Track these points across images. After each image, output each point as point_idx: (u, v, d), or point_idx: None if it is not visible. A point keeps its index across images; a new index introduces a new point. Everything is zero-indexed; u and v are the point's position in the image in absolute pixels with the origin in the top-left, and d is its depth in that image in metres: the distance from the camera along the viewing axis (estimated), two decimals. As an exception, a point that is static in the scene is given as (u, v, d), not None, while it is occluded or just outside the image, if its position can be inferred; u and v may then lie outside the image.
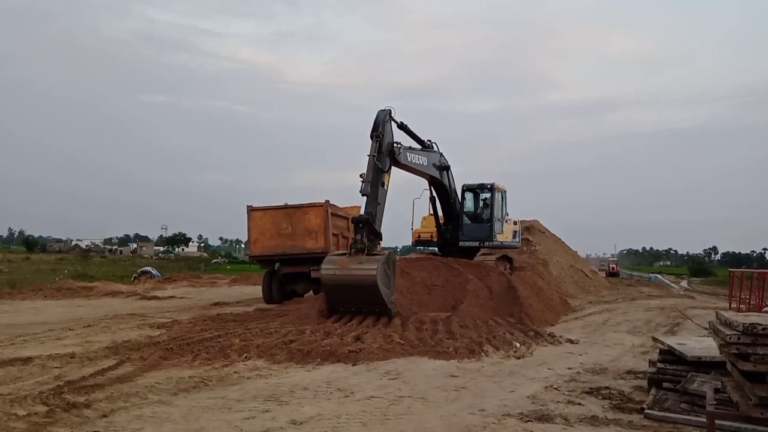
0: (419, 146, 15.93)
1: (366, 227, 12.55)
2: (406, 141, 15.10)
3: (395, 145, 13.94)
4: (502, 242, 18.92)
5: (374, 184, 13.10)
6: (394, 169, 14.16)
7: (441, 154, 16.90)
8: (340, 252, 13.67)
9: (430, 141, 16.51)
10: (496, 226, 18.32)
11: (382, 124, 13.40)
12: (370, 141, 13.29)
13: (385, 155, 13.44)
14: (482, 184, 18.76)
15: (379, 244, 13.83)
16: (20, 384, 7.38)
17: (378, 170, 13.17)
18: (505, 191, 19.19)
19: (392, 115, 13.84)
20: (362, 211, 13.30)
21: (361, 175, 13.10)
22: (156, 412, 6.17)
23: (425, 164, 15.92)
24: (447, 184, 17.40)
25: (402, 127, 14.86)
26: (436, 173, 16.69)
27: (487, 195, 18.73)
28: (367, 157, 13.19)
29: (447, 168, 17.25)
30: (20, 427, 5.57)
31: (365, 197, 12.91)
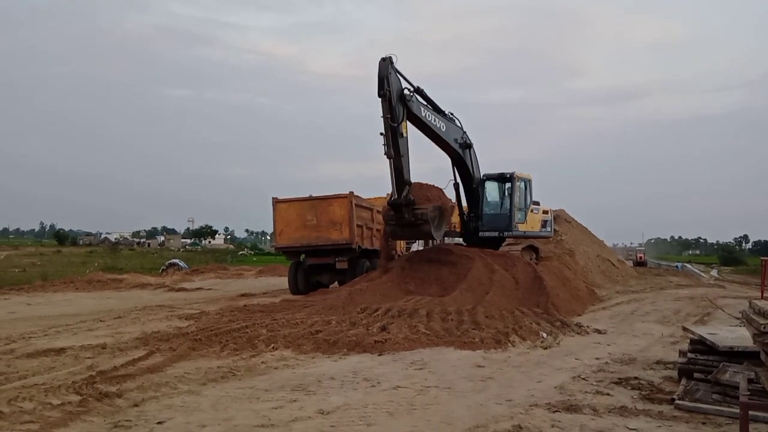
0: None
1: (402, 206, 14.01)
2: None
3: (405, 91, 13.78)
4: (524, 232, 18.55)
5: (395, 145, 13.46)
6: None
7: (464, 132, 16.49)
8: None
9: (451, 114, 16.08)
10: (518, 215, 17.87)
11: (386, 80, 13.10)
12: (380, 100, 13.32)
13: (396, 106, 13.37)
14: (502, 174, 18.16)
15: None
16: (54, 374, 7.55)
17: (394, 130, 13.37)
18: (530, 180, 18.69)
19: (394, 63, 13.36)
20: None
21: (381, 133, 13.54)
22: (185, 402, 6.26)
23: (443, 130, 15.50)
24: (470, 164, 16.96)
25: (418, 91, 14.62)
26: (457, 148, 16.25)
27: (508, 185, 18.23)
28: (381, 119, 13.44)
29: (470, 146, 16.73)
30: (55, 416, 5.70)
31: (390, 159, 13.67)
